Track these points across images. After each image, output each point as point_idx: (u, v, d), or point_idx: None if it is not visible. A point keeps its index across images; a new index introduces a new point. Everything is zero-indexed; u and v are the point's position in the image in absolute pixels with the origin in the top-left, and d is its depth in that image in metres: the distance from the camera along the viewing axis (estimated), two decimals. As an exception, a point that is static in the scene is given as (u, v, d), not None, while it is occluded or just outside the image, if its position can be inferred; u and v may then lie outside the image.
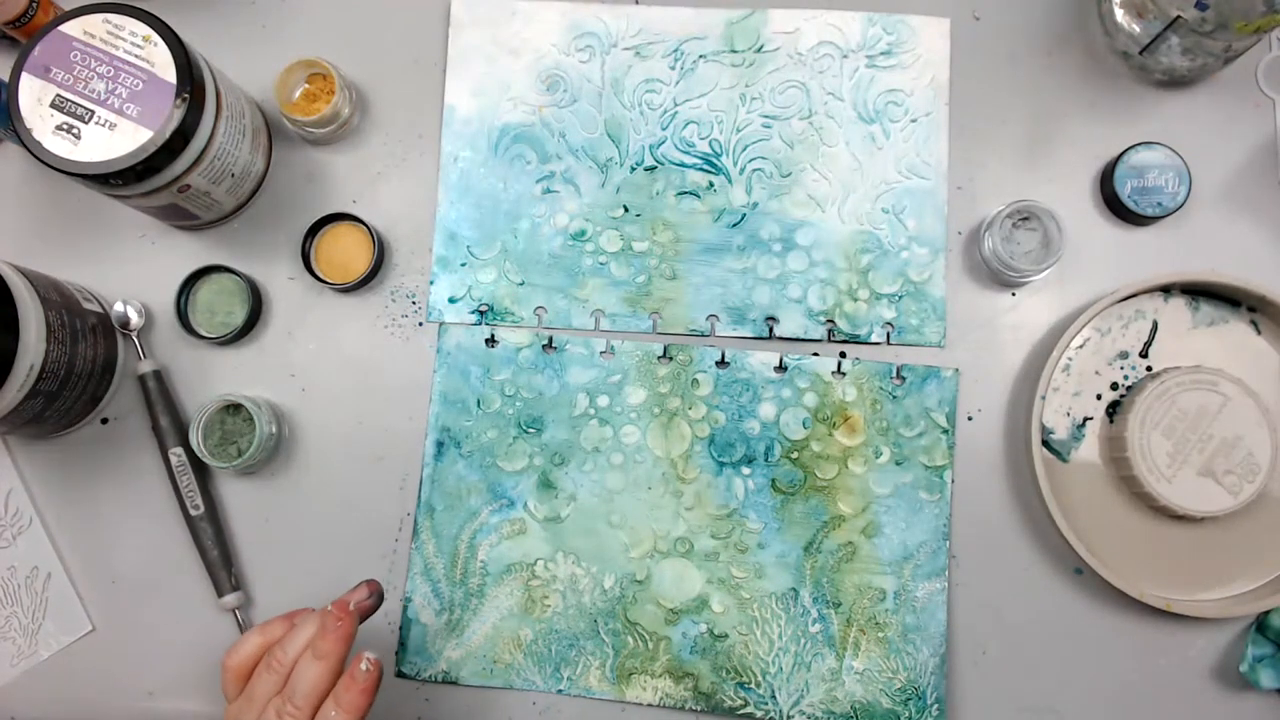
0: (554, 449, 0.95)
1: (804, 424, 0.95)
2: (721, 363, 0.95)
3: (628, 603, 0.93)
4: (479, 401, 0.96)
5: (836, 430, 0.95)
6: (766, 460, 0.94)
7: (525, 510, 0.95)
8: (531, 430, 0.95)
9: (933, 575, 0.93)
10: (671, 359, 0.96)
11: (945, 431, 0.94)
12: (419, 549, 0.94)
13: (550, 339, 0.96)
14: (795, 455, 0.94)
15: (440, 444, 0.95)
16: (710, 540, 0.94)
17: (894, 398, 0.95)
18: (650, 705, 0.93)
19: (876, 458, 0.94)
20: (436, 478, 0.95)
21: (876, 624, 0.93)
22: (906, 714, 0.92)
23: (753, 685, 0.92)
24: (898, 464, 0.94)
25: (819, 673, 0.92)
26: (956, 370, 0.95)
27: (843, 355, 0.96)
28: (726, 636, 0.93)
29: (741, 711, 0.92)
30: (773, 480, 0.94)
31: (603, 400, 0.95)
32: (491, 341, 0.96)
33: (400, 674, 0.93)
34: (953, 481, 0.94)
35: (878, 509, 0.94)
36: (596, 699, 0.93)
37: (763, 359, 0.95)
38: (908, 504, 0.94)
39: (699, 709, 0.92)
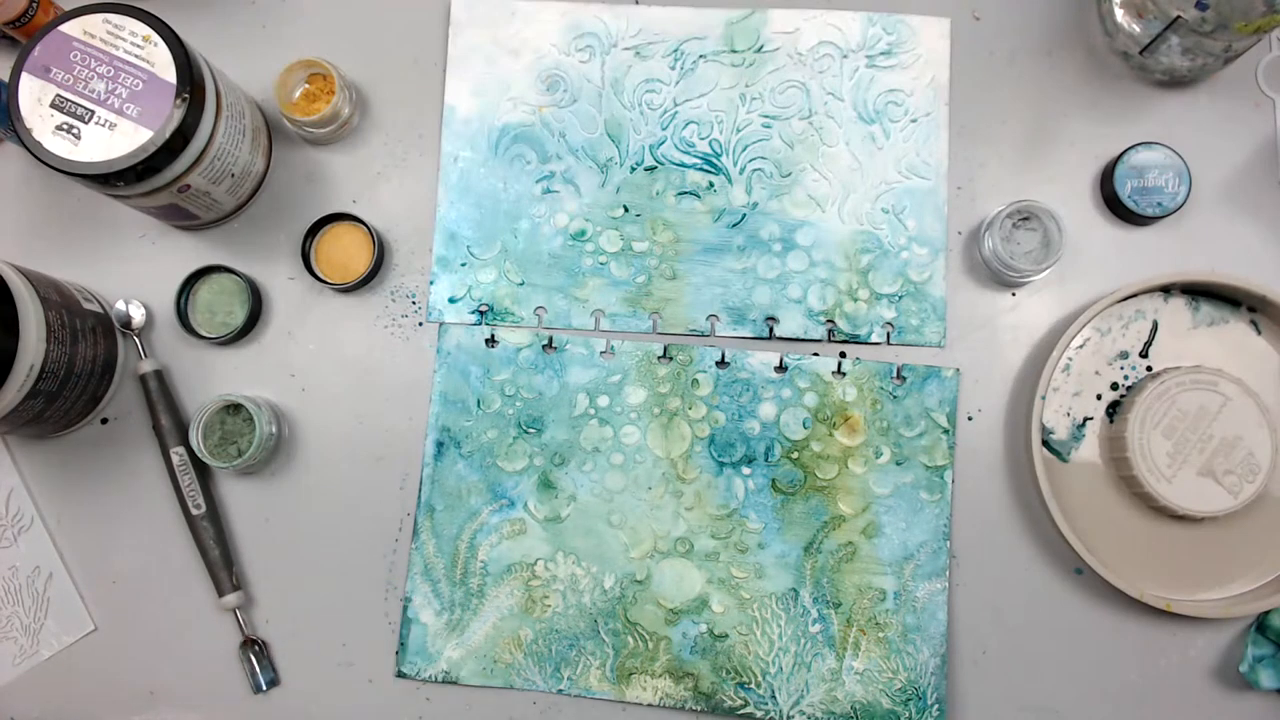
0: (554, 449, 0.95)
1: (804, 424, 0.95)
2: (721, 363, 0.95)
3: (628, 603, 0.93)
4: (479, 401, 0.96)
5: (837, 430, 0.95)
6: (767, 460, 0.95)
7: (525, 510, 0.95)
8: (531, 430, 0.95)
9: (933, 575, 0.93)
10: (671, 359, 0.96)
11: (946, 431, 0.94)
12: (419, 549, 0.94)
13: (550, 339, 0.96)
14: (795, 455, 0.95)
15: (440, 444, 0.95)
16: (710, 540, 0.94)
17: (894, 398, 0.95)
18: (650, 705, 0.93)
19: (877, 458, 0.94)
20: (436, 478, 0.95)
21: (877, 624, 0.93)
22: (907, 714, 0.92)
23: (753, 685, 0.92)
24: (898, 464, 0.94)
25: (819, 673, 0.92)
26: (957, 370, 0.95)
27: (843, 355, 0.96)
28: (726, 636, 0.93)
29: (741, 711, 0.92)
30: (773, 480, 0.94)
31: (603, 400, 0.95)
32: (491, 341, 0.96)
33: (400, 674, 0.93)
34: (953, 481, 0.94)
35: (878, 509, 0.94)
36: (596, 699, 0.93)
37: (763, 359, 0.95)
38: (908, 504, 0.94)
39: (699, 709, 0.92)
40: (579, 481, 0.95)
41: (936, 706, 0.92)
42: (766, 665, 0.92)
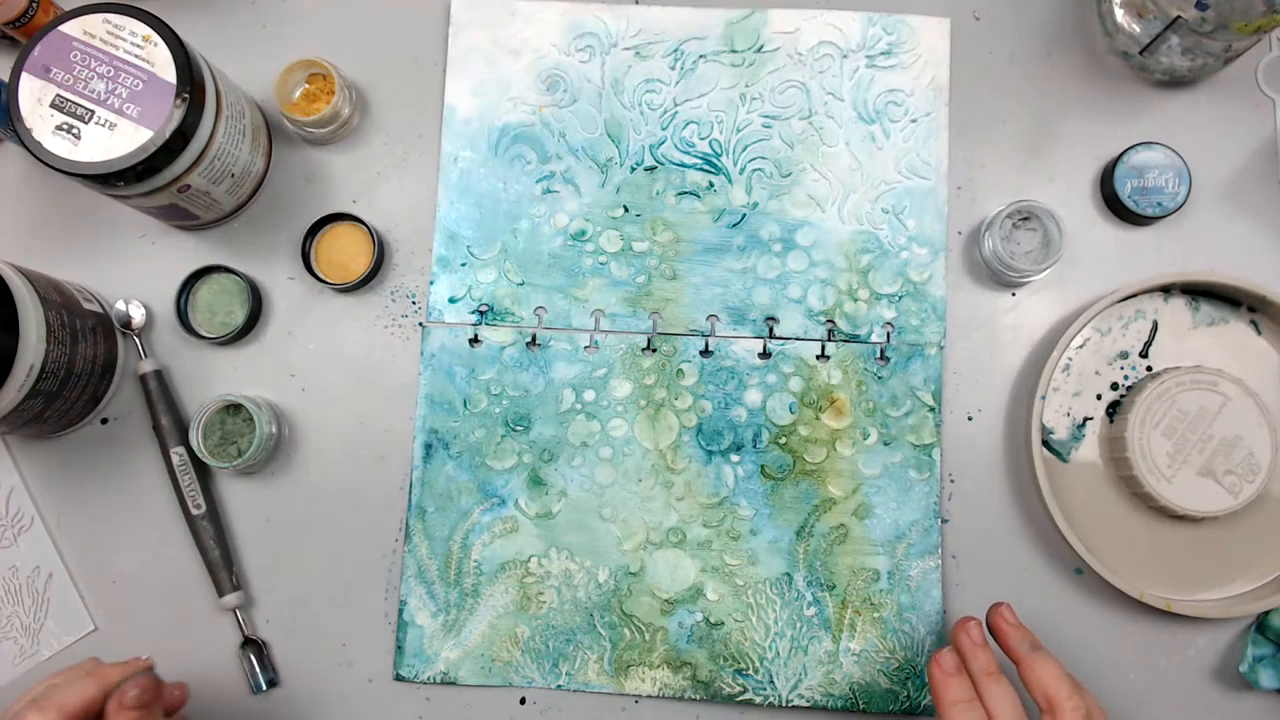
0: (542, 446, 0.95)
1: (790, 409, 0.95)
2: (705, 352, 0.96)
3: (623, 595, 0.93)
4: (465, 402, 0.96)
5: (823, 413, 0.95)
6: (755, 447, 0.94)
7: (516, 508, 0.95)
8: (519, 428, 0.95)
9: (926, 554, 0.93)
10: (655, 350, 0.96)
11: (932, 409, 0.94)
12: (412, 552, 0.94)
13: (534, 336, 0.96)
14: (783, 440, 0.94)
15: (429, 446, 0.95)
16: (702, 529, 0.94)
17: (879, 378, 0.95)
18: (650, 696, 0.93)
19: (864, 439, 0.94)
20: (426, 480, 0.95)
21: (871, 604, 0.93)
22: (905, 693, 0.92)
23: (750, 671, 0.92)
24: (886, 444, 0.94)
25: (816, 656, 0.92)
26: (940, 347, 0.95)
27: (828, 337, 0.96)
28: (722, 624, 0.93)
29: (740, 698, 0.92)
30: (762, 466, 0.94)
31: (589, 395, 0.95)
32: (475, 341, 0.96)
33: (399, 677, 0.93)
34: (941, 459, 0.94)
35: (868, 490, 0.94)
36: (596, 693, 0.93)
37: (746, 345, 0.96)
38: (897, 484, 0.94)
39: (698, 698, 0.92)
40: (569, 477, 0.95)
41: (935, 687, 0.92)
42: (763, 651, 0.92)
